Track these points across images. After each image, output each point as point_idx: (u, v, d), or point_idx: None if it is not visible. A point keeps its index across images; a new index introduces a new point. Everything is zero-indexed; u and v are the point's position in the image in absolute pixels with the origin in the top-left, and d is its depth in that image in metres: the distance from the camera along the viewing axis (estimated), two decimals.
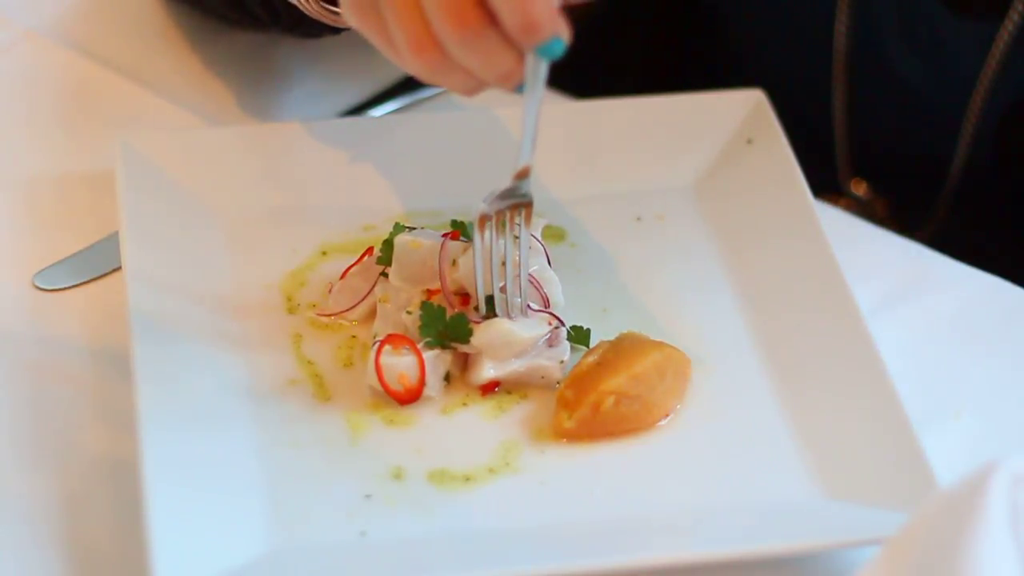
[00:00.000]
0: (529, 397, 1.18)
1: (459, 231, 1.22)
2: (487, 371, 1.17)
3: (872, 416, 1.14)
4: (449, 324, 1.17)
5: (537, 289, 1.20)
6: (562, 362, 1.18)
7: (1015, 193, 1.46)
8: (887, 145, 1.53)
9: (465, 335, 1.17)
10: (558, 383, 1.18)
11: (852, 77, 1.50)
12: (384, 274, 1.21)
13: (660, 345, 1.18)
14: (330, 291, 1.24)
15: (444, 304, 1.18)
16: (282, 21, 1.33)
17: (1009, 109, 1.42)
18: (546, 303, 1.20)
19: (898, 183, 1.53)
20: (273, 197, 1.31)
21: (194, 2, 1.46)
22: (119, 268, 1.24)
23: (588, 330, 1.20)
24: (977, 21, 1.41)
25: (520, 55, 1.05)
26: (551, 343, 1.18)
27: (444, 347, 1.17)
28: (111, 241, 1.28)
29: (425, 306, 1.17)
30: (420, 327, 1.17)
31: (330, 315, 1.23)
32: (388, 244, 1.21)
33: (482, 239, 1.15)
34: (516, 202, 1.16)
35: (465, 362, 1.19)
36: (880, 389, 1.15)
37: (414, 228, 1.22)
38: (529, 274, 1.19)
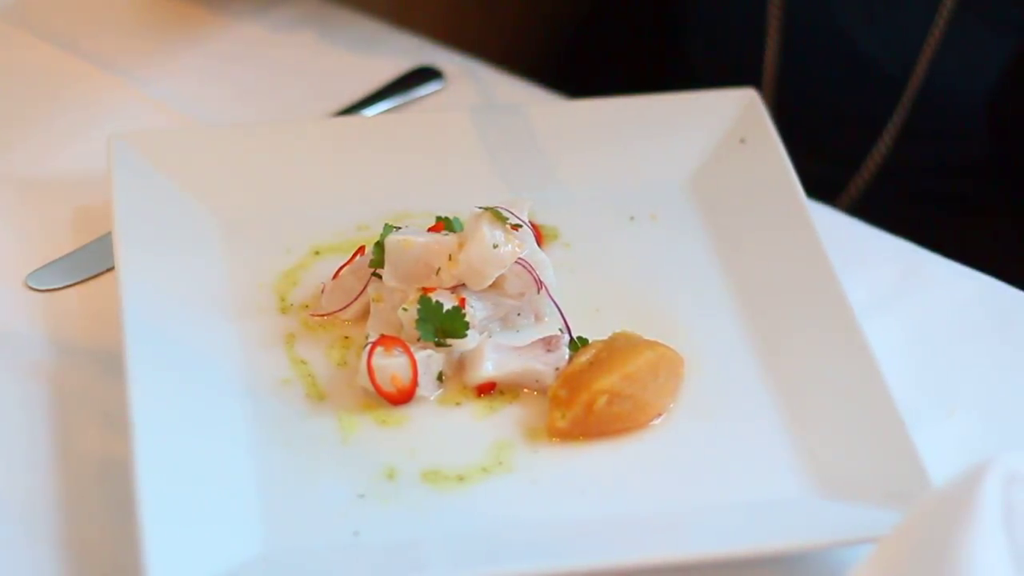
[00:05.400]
0: (522, 397, 1.18)
1: (443, 223, 1.22)
2: (485, 369, 1.17)
3: (866, 415, 1.14)
4: (445, 318, 1.17)
5: (529, 271, 1.20)
6: (557, 369, 1.18)
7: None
8: (817, 96, 1.54)
9: (462, 329, 1.17)
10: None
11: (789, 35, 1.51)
12: (376, 274, 1.21)
13: (653, 344, 1.18)
14: (323, 291, 1.23)
15: (441, 300, 1.18)
16: None
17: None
18: (539, 285, 1.20)
19: (829, 143, 1.54)
20: (266, 197, 1.30)
21: None
22: (112, 268, 1.24)
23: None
24: None
25: None
26: (549, 348, 1.18)
27: (438, 345, 1.17)
28: (104, 241, 1.28)
29: (423, 300, 1.17)
30: (417, 322, 1.17)
31: (323, 315, 1.23)
32: (379, 247, 1.20)
33: None
34: None
35: (459, 361, 1.19)
36: (873, 387, 1.15)
37: (400, 227, 1.21)
38: (520, 257, 1.19)
